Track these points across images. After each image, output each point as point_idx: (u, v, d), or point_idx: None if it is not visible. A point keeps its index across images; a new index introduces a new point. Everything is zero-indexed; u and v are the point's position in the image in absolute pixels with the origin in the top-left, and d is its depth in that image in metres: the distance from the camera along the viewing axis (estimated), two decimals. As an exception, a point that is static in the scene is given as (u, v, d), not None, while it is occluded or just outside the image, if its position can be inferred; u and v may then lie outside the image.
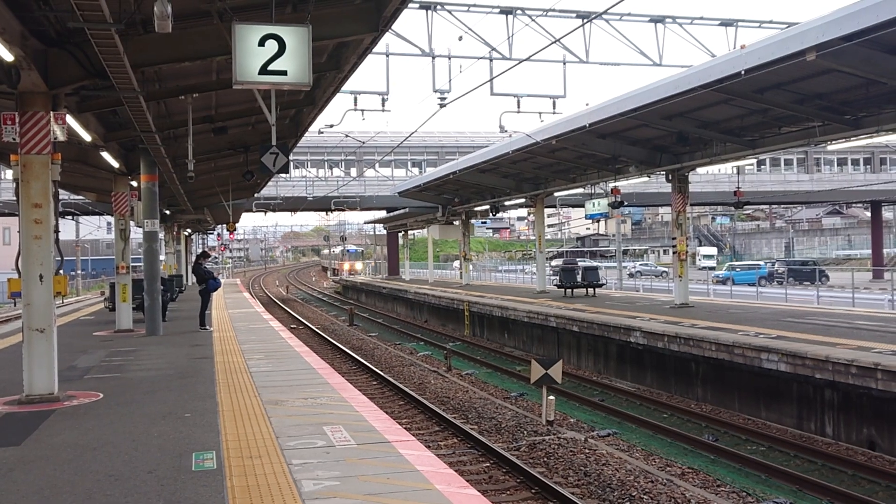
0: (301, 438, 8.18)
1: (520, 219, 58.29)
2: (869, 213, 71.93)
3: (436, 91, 20.46)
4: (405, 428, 12.78)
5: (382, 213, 59.30)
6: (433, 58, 20.39)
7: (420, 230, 59.81)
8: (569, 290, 30.50)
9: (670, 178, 23.88)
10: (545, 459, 11.99)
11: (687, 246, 24.23)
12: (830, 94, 16.63)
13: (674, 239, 23.97)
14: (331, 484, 6.66)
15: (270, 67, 8.10)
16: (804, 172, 62.80)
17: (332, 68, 14.37)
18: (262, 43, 8.11)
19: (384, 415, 9.69)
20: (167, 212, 34.60)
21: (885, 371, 12.21)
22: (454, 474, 7.09)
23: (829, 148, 21.41)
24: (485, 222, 53.01)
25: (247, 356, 14.67)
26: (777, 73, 15.11)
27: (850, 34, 12.76)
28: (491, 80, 20.36)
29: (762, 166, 61.56)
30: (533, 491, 10.50)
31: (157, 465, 7.23)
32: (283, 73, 8.15)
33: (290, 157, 13.68)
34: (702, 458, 13.02)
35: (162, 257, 34.42)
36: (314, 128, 23.10)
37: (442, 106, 20.36)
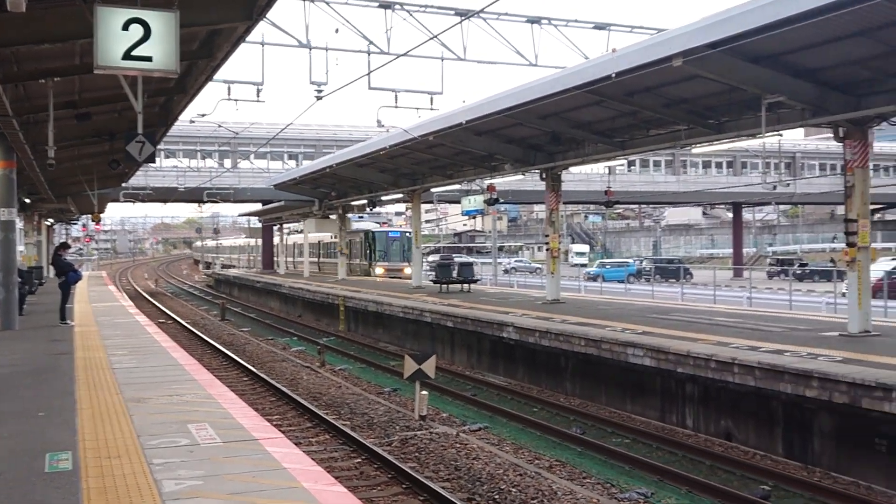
0: (164, 437, 7.91)
1: (398, 214, 58.35)
2: (731, 214, 75.33)
3: (313, 83, 20.17)
4: (275, 425, 12.56)
5: (258, 206, 58.18)
6: (310, 49, 20.09)
7: (296, 223, 58.85)
8: (444, 286, 30.70)
9: (544, 176, 24.32)
10: (417, 454, 12.02)
11: (560, 243, 24.75)
12: (696, 99, 17.26)
13: (547, 236, 24.44)
14: (193, 483, 6.46)
15: (134, 53, 7.78)
16: (671, 174, 65.23)
17: (204, 56, 13.93)
18: (125, 27, 7.78)
19: (253, 412, 9.50)
20: (27, 200, 32.93)
21: (741, 365, 12.78)
22: (322, 471, 7.00)
23: (694, 151, 22.24)
24: (362, 217, 52.80)
25: (110, 352, 14.11)
26: (646, 78, 15.56)
27: (714, 42, 13.27)
28: (369, 73, 20.22)
29: (632, 167, 63.52)
30: (404, 486, 10.50)
31: (6, 468, 6.85)
32: (149, 58, 7.84)
33: (161, 147, 13.26)
34: (569, 450, 13.32)
35: (21, 248, 32.78)
36: (185, 116, 22.42)
37: (319, 98, 20.11)
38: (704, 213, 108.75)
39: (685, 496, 10.91)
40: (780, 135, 16.98)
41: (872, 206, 20.88)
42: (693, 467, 12.21)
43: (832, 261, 59.39)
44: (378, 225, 51.58)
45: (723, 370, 13.15)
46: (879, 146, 58.04)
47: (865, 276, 15.13)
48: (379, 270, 45.67)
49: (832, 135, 15.53)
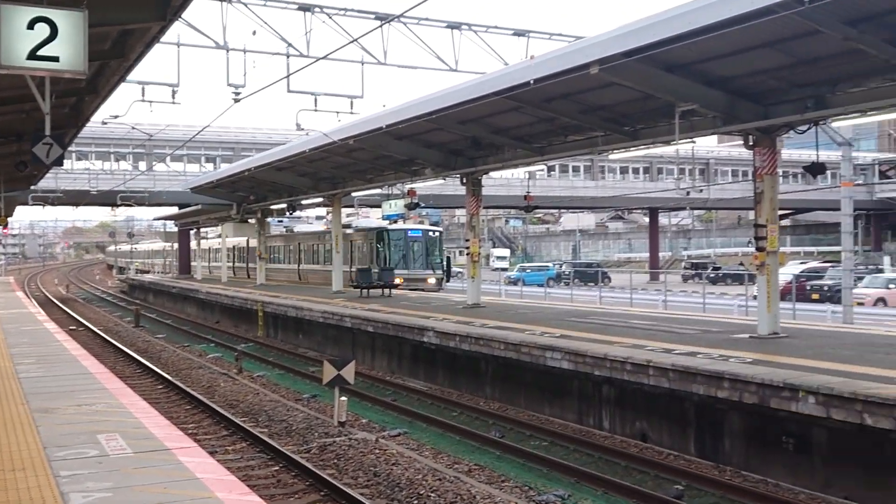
0: (72, 448, 7.67)
1: (318, 218, 57.72)
2: (647, 219, 76.93)
3: (230, 85, 19.84)
4: (190, 434, 12.32)
5: (174, 210, 56.99)
6: (227, 51, 19.75)
7: (214, 227, 57.78)
8: (365, 290, 30.55)
9: (465, 181, 24.44)
10: (336, 461, 11.91)
11: (480, 247, 24.87)
12: (612, 106, 17.54)
13: (467, 241, 24.55)
14: (102, 496, 6.28)
15: (40, 52, 7.52)
16: (590, 179, 66.30)
17: (116, 56, 13.58)
18: (31, 26, 7.52)
19: (165, 421, 9.28)
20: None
21: (656, 368, 13.04)
22: (236, 481, 6.88)
23: (612, 157, 22.74)
24: (281, 221, 51.86)
25: (16, 360, 13.62)
26: (564, 84, 15.75)
27: (629, 51, 13.51)
28: (288, 76, 20.00)
29: (552, 172, 64.34)
30: (322, 493, 10.40)
31: None
32: (55, 59, 7.59)
33: (72, 148, 12.86)
34: (489, 454, 13.38)
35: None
36: (98, 118, 21.82)
37: (236, 101, 19.78)
38: (621, 218, 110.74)
39: (601, 497, 11.07)
40: (694, 142, 17.40)
41: (781, 212, 21.51)
42: (609, 468, 12.39)
43: (741, 264, 61.22)
44: (389, 221, 38.73)
45: (638, 372, 13.38)
46: (788, 153, 60.04)
47: (774, 279, 15.61)
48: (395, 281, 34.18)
49: (743, 142, 16.00)
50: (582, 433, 14.41)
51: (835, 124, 19.89)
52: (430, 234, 38.39)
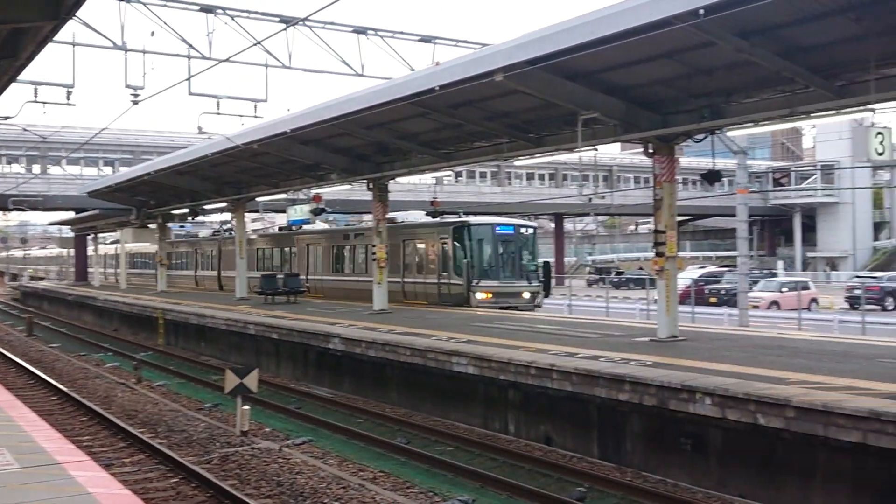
0: (-47, 465, 7.29)
1: (223, 223, 56.62)
2: (553, 224, 78.07)
3: (129, 87, 19.33)
4: (85, 447, 11.89)
5: (70, 214, 55.07)
6: (126, 51, 19.23)
7: (113, 233, 56.05)
8: (270, 297, 30.09)
9: (371, 186, 24.35)
10: (238, 471, 11.67)
11: (387, 253, 24.77)
12: (517, 113, 17.74)
13: (374, 246, 24.44)
14: (-16, 515, 5.98)
15: (-80, 47, 7.12)
16: (497, 185, 66.94)
17: (6, 56, 13.00)
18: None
19: (57, 434, 8.94)
20: None
21: (559, 371, 13.20)
22: (130, 494, 6.65)
23: (517, 163, 23.00)
24: (183, 226, 50.59)
25: None
26: (470, 91, 15.84)
27: (532, 59, 13.69)
28: (189, 78, 19.60)
29: (459, 178, 64.67)
30: (223, 505, 10.17)
31: None
32: (-64, 54, 7.19)
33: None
34: (394, 461, 13.32)
35: None
36: (-13, 118, 20.92)
37: (135, 103, 19.29)
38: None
39: (505, 501, 11.13)
40: (596, 149, 17.78)
41: (680, 218, 22.05)
42: (514, 472, 12.48)
43: (640, 268, 62.76)
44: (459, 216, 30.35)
45: (542, 376, 13.53)
46: (687, 161, 61.84)
47: (673, 284, 16.01)
48: (480, 296, 25.96)
49: (643, 150, 16.38)
50: (487, 438, 14.48)
51: (730, 133, 20.56)
52: (523, 230, 27.82)
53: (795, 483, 10.28)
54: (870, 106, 12.45)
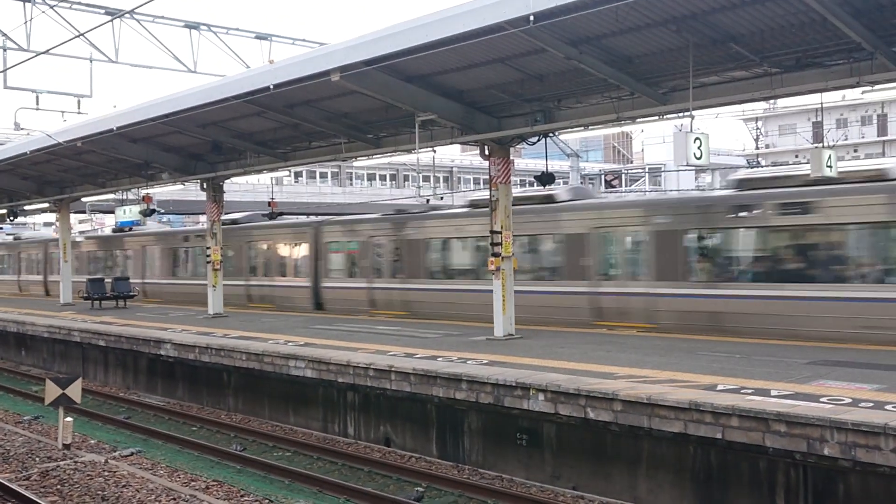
0: None
1: (47, 224, 53.40)
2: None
3: (-65, 77, 17.91)
4: None
5: None
6: (-68, 39, 17.82)
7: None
8: (97, 302, 28.66)
9: (205, 186, 23.62)
10: (59, 486, 11.01)
11: (221, 255, 24.10)
12: (355, 113, 17.65)
13: (209, 248, 23.72)
14: None
15: None
16: (338, 185, 66.58)
17: None
18: None
19: None
20: None
21: (398, 372, 13.22)
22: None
23: (357, 164, 23.00)
24: (1, 228, 47.44)
25: None
26: (306, 91, 15.64)
27: (369, 59, 13.63)
28: (4, 70, 18.37)
29: (300, 178, 63.92)
30: (42, 524, 9.57)
31: None
32: None
33: None
34: (228, 468, 12.95)
35: None
36: None
37: (-57, 95, 17.90)
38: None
39: (343, 505, 11.04)
40: (434, 150, 17.90)
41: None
42: (353, 475, 12.40)
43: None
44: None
45: (381, 378, 13.51)
46: (525, 163, 63.49)
47: (509, 283, 16.35)
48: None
49: (479, 152, 16.65)
50: (326, 441, 14.34)
51: (563, 136, 21.22)
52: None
53: (623, 473, 10.70)
54: (689, 112, 13.12)
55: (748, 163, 54.19)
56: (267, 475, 12.46)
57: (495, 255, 16.26)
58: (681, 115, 13.85)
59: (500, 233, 16.18)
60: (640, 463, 10.54)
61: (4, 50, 18.40)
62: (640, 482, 10.55)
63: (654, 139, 70.17)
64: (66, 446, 13.02)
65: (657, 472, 10.37)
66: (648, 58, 13.12)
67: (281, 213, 28.45)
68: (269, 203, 27.82)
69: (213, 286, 23.71)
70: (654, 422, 10.03)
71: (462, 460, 12.62)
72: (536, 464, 11.67)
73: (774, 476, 9.30)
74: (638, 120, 14.71)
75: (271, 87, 14.99)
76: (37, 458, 12.56)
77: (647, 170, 75.16)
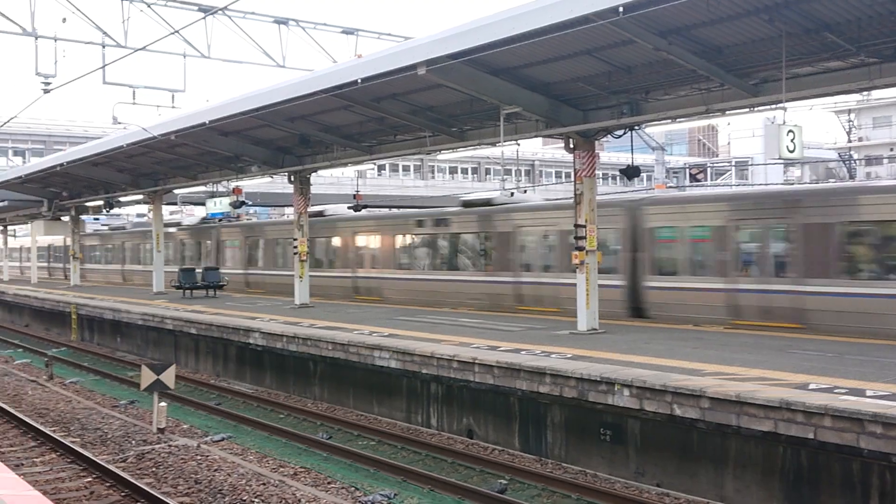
0: None
1: (139, 215, 55.15)
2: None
3: (39, 74, 18.68)
4: (-8, 446, 11.49)
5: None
6: (36, 38, 18.58)
7: (24, 225, 54.10)
8: (188, 291, 29.52)
9: (293, 179, 24.07)
10: (154, 469, 11.43)
11: (308, 246, 24.52)
12: (440, 107, 17.76)
13: (296, 240, 24.17)
14: None
15: None
16: (420, 178, 66.99)
17: None
18: None
19: (-39, 434, 8.58)
20: None
21: (481, 365, 13.27)
22: (39, 496, 6.42)
23: (440, 157, 23.10)
24: (97, 218, 49.09)
25: None
26: (392, 84, 15.80)
27: (455, 53, 13.70)
28: (104, 67, 19.03)
29: (383, 171, 64.52)
30: (139, 504, 9.94)
31: None
32: None
33: None
34: (315, 456, 13.22)
35: None
36: None
37: (46, 91, 18.67)
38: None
39: (427, 495, 11.14)
40: (518, 144, 17.88)
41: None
42: (436, 465, 12.51)
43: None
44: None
45: (464, 370, 13.59)
46: (608, 156, 62.86)
47: (593, 277, 16.23)
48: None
49: (564, 145, 16.56)
50: (409, 431, 14.48)
51: (648, 129, 20.96)
52: None
53: (710, 471, 10.54)
54: (781, 104, 12.81)
55: (840, 156, 52.56)
56: (353, 463, 12.68)
57: (579, 248, 16.16)
58: (772, 107, 13.51)
59: (585, 226, 16.07)
60: (726, 462, 10.36)
61: (104, 47, 19.06)
62: (726, 481, 10.38)
63: (741, 132, 68.57)
64: (161, 430, 13.48)
65: (745, 472, 10.18)
66: (739, 48, 12.85)
67: (365, 206, 28.74)
68: (354, 196, 28.14)
69: (300, 277, 24.15)
70: (743, 420, 9.85)
71: (545, 454, 12.60)
72: (620, 460, 11.58)
73: (869, 479, 9.03)
74: (728, 112, 14.40)
75: (359, 80, 15.19)
76: (133, 442, 13.03)
77: (733, 163, 73.60)
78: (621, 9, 10.83)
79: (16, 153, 52.84)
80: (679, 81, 14.28)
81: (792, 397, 9.50)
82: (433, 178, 68.46)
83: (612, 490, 10.84)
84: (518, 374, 12.68)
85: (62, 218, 41.94)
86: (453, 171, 70.26)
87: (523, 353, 13.58)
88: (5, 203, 45.25)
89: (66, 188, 38.09)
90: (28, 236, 58.91)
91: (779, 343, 14.00)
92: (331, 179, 55.76)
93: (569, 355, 13.16)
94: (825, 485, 9.42)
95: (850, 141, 62.72)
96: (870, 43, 11.91)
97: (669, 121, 15.29)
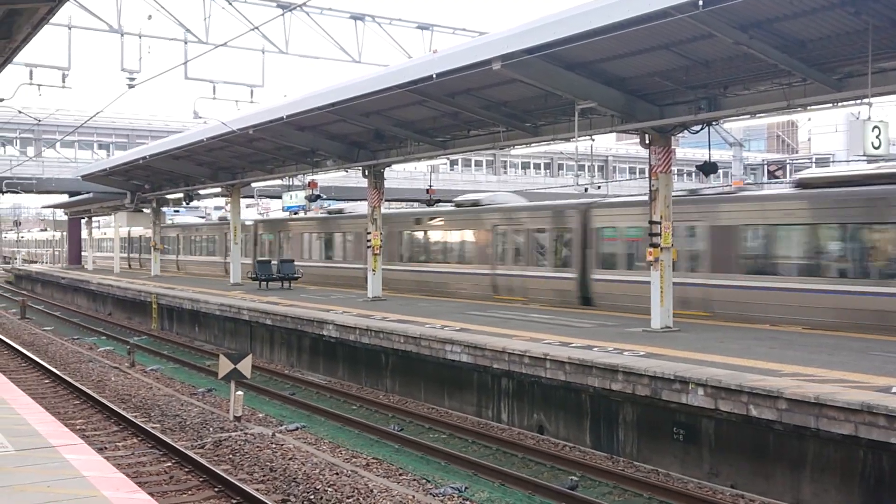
0: (-53, 447, 7.29)
1: (217, 208, 56.37)
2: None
3: (124, 70, 19.25)
4: (78, 430, 11.92)
5: (64, 198, 54.91)
6: (122, 35, 19.15)
7: (107, 216, 55.72)
8: (264, 283, 30.09)
9: (367, 173, 24.32)
10: (231, 456, 11.69)
11: (382, 240, 24.76)
12: (514, 102, 17.74)
13: (370, 233, 24.42)
14: (-21, 497, 5.98)
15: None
16: (492, 174, 66.93)
17: (2, 37, 12.94)
18: None
19: (50, 417, 8.94)
20: None
21: (553, 361, 13.24)
22: (124, 478, 6.66)
23: (513, 152, 22.99)
24: (178, 210, 50.27)
25: None
26: (467, 79, 15.84)
27: (530, 48, 13.68)
28: (185, 63, 19.53)
29: (455, 166, 64.66)
30: (216, 489, 10.19)
31: None
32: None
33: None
34: (387, 447, 13.36)
35: None
36: (-19, 100, 20.86)
37: (131, 87, 19.23)
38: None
39: (498, 489, 11.17)
40: (593, 139, 17.73)
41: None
42: (506, 460, 12.53)
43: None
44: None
45: (536, 365, 13.57)
46: (682, 152, 61.89)
47: (668, 274, 16.04)
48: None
49: (639, 141, 16.38)
50: (480, 426, 14.53)
51: (726, 125, 20.56)
52: None
53: (786, 473, 10.34)
54: (866, 99, 12.46)
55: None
56: (424, 456, 12.78)
57: (654, 245, 15.98)
58: (857, 102, 13.14)
59: (660, 223, 15.89)
60: (804, 464, 10.14)
61: (186, 43, 19.55)
62: (803, 484, 10.16)
63: (822, 127, 66.66)
64: (237, 418, 13.78)
65: (822, 475, 9.95)
66: (823, 42, 12.53)
67: (438, 201, 28.89)
68: (427, 190, 28.28)
69: (373, 270, 24.40)
70: (822, 422, 9.63)
71: (616, 452, 12.51)
72: (693, 460, 11.43)
73: (954, 486, 8.76)
74: (810, 107, 14.07)
75: (434, 76, 15.27)
76: (210, 429, 13.35)
77: (814, 160, 71.66)
78: (701, 2, 10.66)
79: (100, 146, 54.48)
80: (759, 76, 13.99)
81: (874, 400, 9.24)
82: (505, 173, 68.31)
83: (685, 490, 10.71)
84: (590, 371, 12.61)
85: (144, 210, 43.13)
86: (525, 166, 69.98)
87: (595, 349, 13.50)
88: (90, 195, 46.79)
89: (147, 181, 39.19)
90: (111, 227, 60.77)
91: (861, 345, 13.63)
92: (403, 174, 56.06)
93: (641, 353, 13.03)
94: (908, 491, 9.16)
95: (938, 137, 60.50)
96: (961, 35, 11.51)
97: (748, 116, 14.99)
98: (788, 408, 9.95)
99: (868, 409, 9.17)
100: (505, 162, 67.78)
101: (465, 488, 10.92)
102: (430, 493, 10.53)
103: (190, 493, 10.17)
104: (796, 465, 10.20)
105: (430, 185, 28.95)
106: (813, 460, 10.02)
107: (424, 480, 11.16)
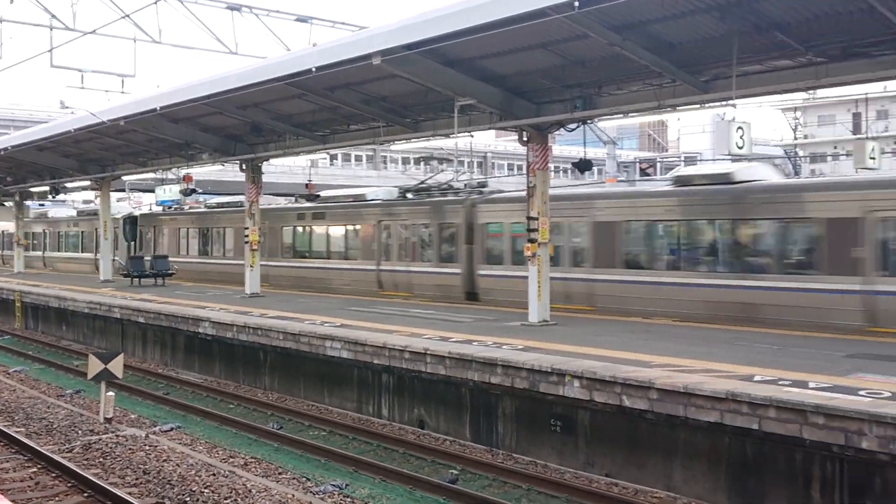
0: None
1: (86, 202, 54.09)
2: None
3: (-17, 56, 18.22)
4: (-68, 436, 11.23)
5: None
6: (-20, 18, 18.12)
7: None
8: (137, 280, 29.08)
9: (244, 167, 23.84)
10: (101, 459, 11.26)
11: (259, 236, 24.33)
12: (394, 97, 17.72)
13: (247, 228, 23.96)
14: None
15: None
16: (372, 168, 66.81)
17: None
18: None
19: None
20: None
21: (433, 355, 13.31)
22: (-16, 488, 6.31)
23: (393, 148, 23.02)
24: (42, 204, 47.95)
25: None
26: (347, 74, 15.71)
27: (410, 44, 13.69)
28: (51, 50, 18.64)
29: (335, 161, 64.22)
30: (86, 494, 9.80)
31: None
32: None
33: None
34: (266, 446, 13.16)
35: None
36: None
37: (-9, 73, 18.19)
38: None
39: (379, 485, 11.16)
40: (472, 135, 17.93)
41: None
42: (387, 456, 12.53)
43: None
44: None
45: (416, 360, 13.62)
46: (559, 150, 63.28)
47: (545, 269, 16.36)
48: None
49: (517, 138, 16.63)
50: (361, 422, 14.48)
51: (601, 124, 21.13)
52: None
53: (658, 461, 10.71)
54: (731, 101, 13.02)
55: (785, 153, 53.51)
56: (303, 454, 12.65)
57: (531, 241, 16.28)
58: (723, 103, 13.71)
59: (538, 219, 16.19)
60: (675, 452, 10.53)
61: (51, 29, 18.65)
62: (674, 471, 10.56)
63: (690, 127, 69.42)
64: (108, 420, 13.29)
65: (692, 462, 10.37)
66: (691, 45, 13.03)
67: (318, 195, 28.57)
68: (306, 185, 27.95)
69: (251, 266, 23.95)
70: (691, 411, 10.03)
71: (496, 445, 12.69)
72: (570, 450, 11.71)
73: (810, 469, 9.26)
74: (679, 108, 14.58)
75: (313, 69, 15.09)
76: (79, 431, 12.83)
77: (682, 158, 74.51)
78: (577, 3, 10.90)
79: (-44, 137, 51.55)
80: (632, 77, 14.43)
81: (738, 388, 9.69)
82: (385, 168, 68.30)
83: (562, 480, 10.96)
84: (470, 365, 12.74)
85: (5, 203, 41.03)
86: (406, 161, 70.16)
87: (475, 344, 13.65)
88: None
89: (10, 173, 37.26)
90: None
91: (729, 336, 14.25)
92: (283, 168, 55.33)
93: (520, 346, 13.26)
94: (769, 474, 9.64)
95: (795, 138, 63.94)
96: (818, 43, 12.17)
97: (622, 115, 15.46)
98: (659, 398, 10.32)
99: (733, 397, 9.60)
100: (385, 157, 67.77)
101: (346, 485, 10.87)
102: (311, 492, 10.43)
103: (57, 498, 9.75)
104: (668, 453, 10.59)
105: (310, 181, 28.55)
106: (683, 448, 10.42)
107: (304, 479, 11.05)
